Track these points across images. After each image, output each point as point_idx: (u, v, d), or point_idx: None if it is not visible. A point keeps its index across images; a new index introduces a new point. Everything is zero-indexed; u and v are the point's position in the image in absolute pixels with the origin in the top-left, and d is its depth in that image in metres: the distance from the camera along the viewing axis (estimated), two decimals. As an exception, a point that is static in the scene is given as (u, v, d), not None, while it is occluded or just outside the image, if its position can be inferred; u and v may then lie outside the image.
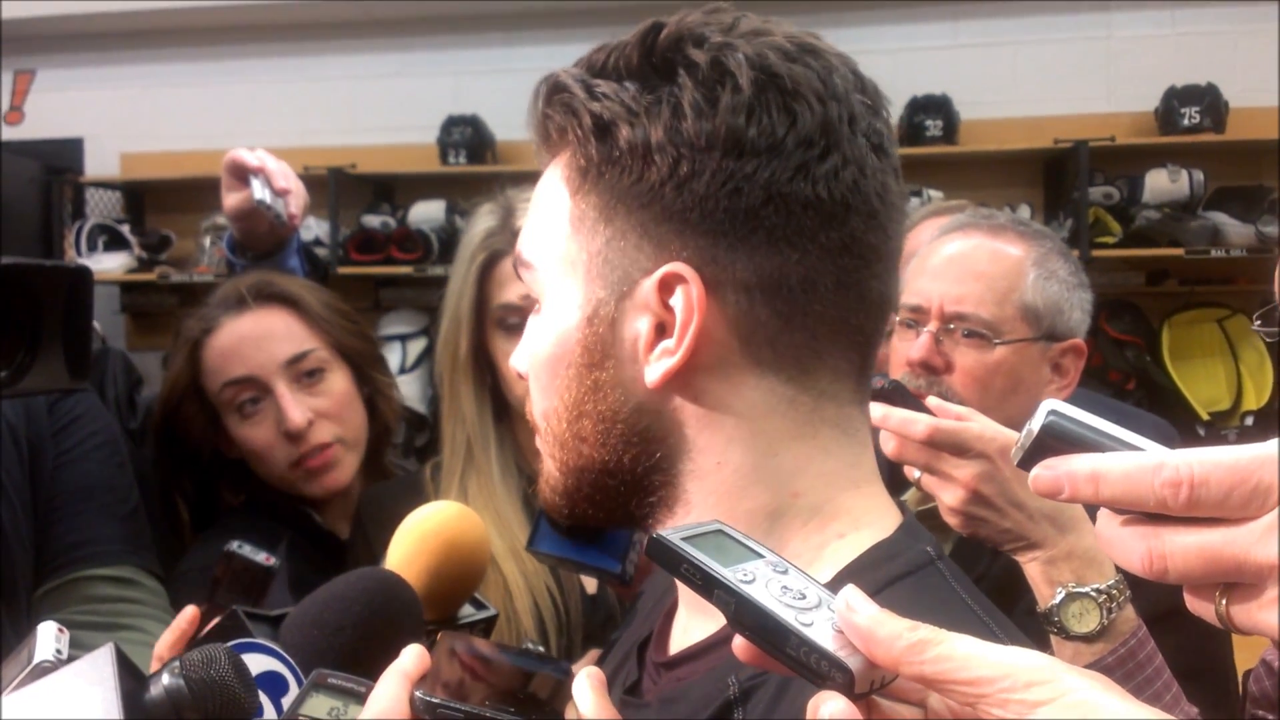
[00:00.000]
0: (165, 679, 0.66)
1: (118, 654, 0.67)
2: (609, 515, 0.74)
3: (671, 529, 0.53)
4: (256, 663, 0.75)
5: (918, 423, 1.09)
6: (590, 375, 0.70)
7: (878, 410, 1.12)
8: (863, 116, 0.68)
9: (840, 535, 0.70)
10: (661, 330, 0.68)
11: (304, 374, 1.54)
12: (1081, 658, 1.08)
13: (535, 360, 0.74)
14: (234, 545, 1.07)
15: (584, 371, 0.70)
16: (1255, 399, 3.71)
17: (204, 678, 0.65)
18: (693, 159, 0.65)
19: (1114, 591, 1.07)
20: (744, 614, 0.49)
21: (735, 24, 0.69)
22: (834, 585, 0.52)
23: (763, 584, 0.50)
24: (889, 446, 1.14)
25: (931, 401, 1.14)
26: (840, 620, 0.48)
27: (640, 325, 0.68)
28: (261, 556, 1.07)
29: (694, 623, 0.74)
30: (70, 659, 0.73)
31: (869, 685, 0.48)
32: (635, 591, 1.08)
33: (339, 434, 1.55)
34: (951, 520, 1.11)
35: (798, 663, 0.48)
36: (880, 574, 0.67)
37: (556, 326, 0.71)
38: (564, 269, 0.71)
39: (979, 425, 1.09)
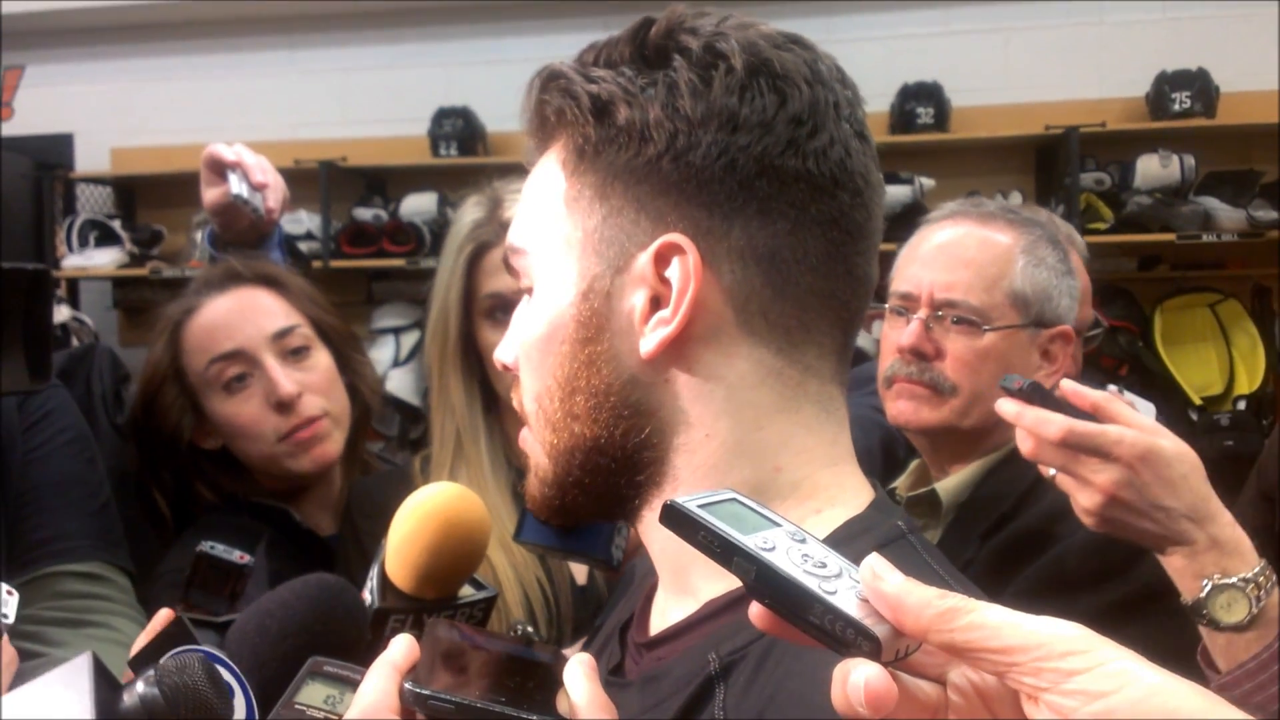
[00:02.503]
0: (140, 687, 0.66)
1: (95, 662, 0.67)
2: (599, 499, 0.74)
3: (686, 496, 0.52)
4: None
5: (1052, 424, 1.07)
6: (584, 350, 0.71)
7: (1010, 407, 1.10)
8: (846, 104, 0.71)
9: (817, 511, 0.71)
10: (656, 303, 0.69)
11: (289, 351, 1.53)
12: (1235, 649, 1.06)
13: (527, 343, 0.74)
14: (206, 546, 1.07)
15: (578, 347, 0.71)
16: (1247, 383, 3.71)
17: (177, 684, 0.66)
18: (689, 133, 0.67)
19: (1261, 579, 1.05)
20: (765, 581, 0.48)
21: (724, 19, 0.71)
22: None
23: (783, 552, 0.49)
24: (1026, 446, 1.11)
25: (1066, 385, 1.11)
26: (866, 588, 0.47)
27: (636, 298, 0.69)
28: (235, 555, 1.07)
29: (671, 605, 0.75)
30: (44, 659, 0.74)
31: (894, 654, 0.47)
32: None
33: (326, 407, 1.54)
34: (1086, 520, 1.09)
35: (821, 630, 0.47)
36: (855, 547, 0.67)
37: (550, 306, 0.72)
38: (558, 249, 0.72)
39: (1117, 430, 1.06)
